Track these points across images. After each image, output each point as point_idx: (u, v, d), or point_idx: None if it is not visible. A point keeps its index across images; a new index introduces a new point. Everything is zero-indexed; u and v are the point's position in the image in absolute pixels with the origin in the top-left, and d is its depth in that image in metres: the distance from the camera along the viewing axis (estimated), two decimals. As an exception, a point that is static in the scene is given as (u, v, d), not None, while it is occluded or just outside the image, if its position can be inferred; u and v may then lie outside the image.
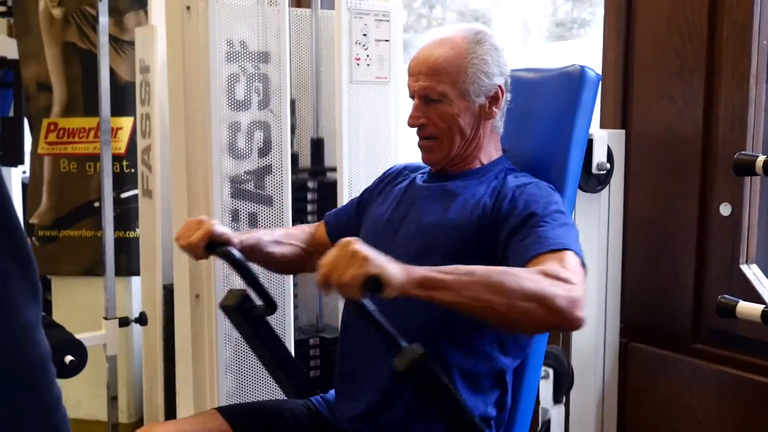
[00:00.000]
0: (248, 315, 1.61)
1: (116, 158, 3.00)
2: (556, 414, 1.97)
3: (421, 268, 1.21)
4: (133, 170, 3.06)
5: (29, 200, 3.24)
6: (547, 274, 1.26)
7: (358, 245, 1.18)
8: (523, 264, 1.34)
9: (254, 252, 1.67)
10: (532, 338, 1.60)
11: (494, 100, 1.59)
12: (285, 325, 2.21)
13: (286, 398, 1.76)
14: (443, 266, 1.24)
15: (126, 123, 3.08)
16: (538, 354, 1.68)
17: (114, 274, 2.67)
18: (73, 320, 2.77)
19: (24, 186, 3.50)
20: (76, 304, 3.14)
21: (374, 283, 1.16)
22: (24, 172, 3.55)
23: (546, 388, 1.95)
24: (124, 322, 2.72)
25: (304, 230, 1.83)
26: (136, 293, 3.10)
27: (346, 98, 2.27)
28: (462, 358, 1.50)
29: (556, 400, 1.97)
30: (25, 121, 3.33)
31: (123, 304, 3.05)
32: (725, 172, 1.94)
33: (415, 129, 1.61)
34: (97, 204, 3.00)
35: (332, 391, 1.68)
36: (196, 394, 2.17)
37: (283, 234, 1.79)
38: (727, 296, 1.75)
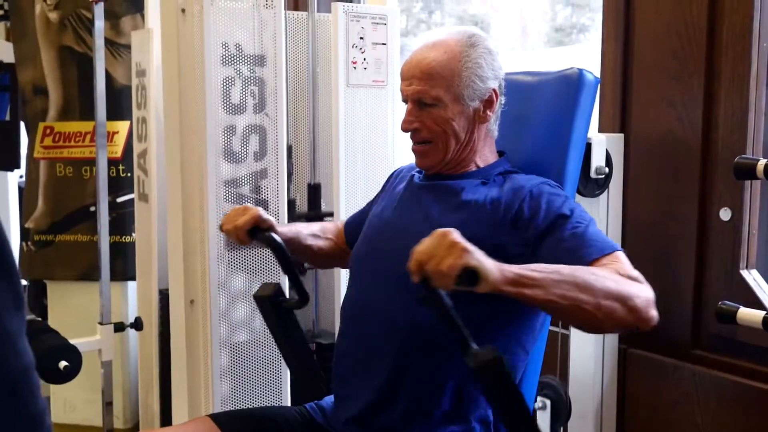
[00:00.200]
0: (279, 307, 1.69)
1: (112, 162, 2.98)
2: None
3: (512, 266, 1.21)
4: (129, 174, 3.04)
5: (25, 204, 3.22)
6: (621, 274, 1.29)
7: (457, 236, 1.17)
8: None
9: (293, 243, 1.75)
10: (535, 342, 1.58)
11: (489, 103, 1.58)
12: (281, 330, 2.20)
13: (279, 405, 1.76)
14: (529, 264, 1.25)
15: (122, 127, 3.07)
16: (535, 361, 1.67)
17: (109, 279, 2.65)
18: (69, 325, 2.75)
19: (20, 190, 3.48)
20: (72, 309, 3.11)
21: (470, 275, 1.15)
22: (21, 177, 3.53)
23: (543, 419, 1.94)
24: (120, 327, 2.70)
25: (337, 226, 1.92)
26: (133, 298, 3.09)
27: (342, 102, 2.25)
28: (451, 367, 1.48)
29: (554, 430, 1.96)
30: (22, 125, 3.31)
31: (119, 309, 3.03)
32: (725, 177, 1.93)
33: (409, 134, 1.60)
34: (93, 208, 2.97)
35: (327, 398, 1.67)
36: (191, 399, 2.15)
37: (320, 228, 1.88)
38: (727, 302, 1.73)
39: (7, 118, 3.35)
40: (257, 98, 2.09)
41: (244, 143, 2.06)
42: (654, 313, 1.28)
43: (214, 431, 1.56)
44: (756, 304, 1.84)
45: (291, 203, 2.44)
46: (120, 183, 3.07)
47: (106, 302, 2.64)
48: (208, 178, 2.03)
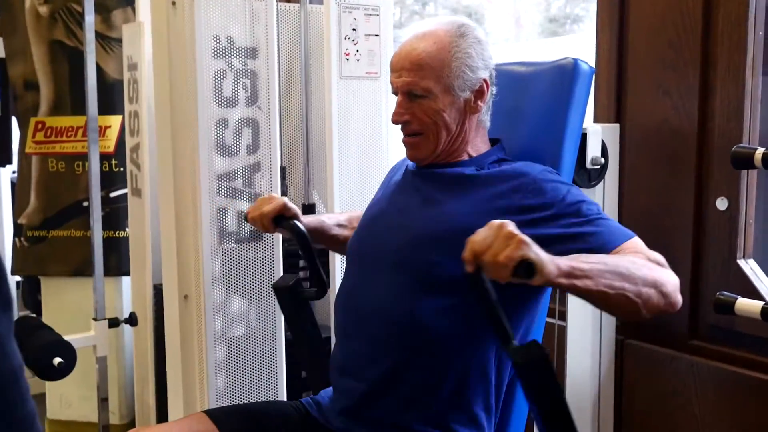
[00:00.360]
0: (298, 297, 1.73)
1: (105, 157, 2.96)
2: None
3: (563, 258, 1.21)
4: (122, 169, 3.02)
5: (17, 200, 3.20)
6: (650, 260, 1.32)
7: (513, 227, 1.16)
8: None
9: (317, 233, 1.79)
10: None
11: (479, 94, 1.56)
12: (277, 325, 2.18)
13: (275, 400, 1.75)
14: (575, 255, 1.26)
15: (114, 121, 3.04)
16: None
17: (103, 275, 2.63)
18: (63, 321, 2.74)
19: (13, 186, 3.46)
20: (66, 305, 3.10)
21: (526, 267, 1.14)
22: (13, 172, 3.51)
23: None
24: (114, 322, 2.68)
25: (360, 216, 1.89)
26: (127, 293, 3.07)
27: (335, 94, 2.24)
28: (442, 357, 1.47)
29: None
30: (14, 121, 3.29)
31: (113, 304, 3.01)
32: (721, 166, 1.92)
33: (400, 126, 1.59)
34: (86, 203, 2.95)
35: (322, 392, 1.66)
36: (186, 395, 2.14)
37: (346, 218, 1.88)
38: (725, 293, 1.72)
39: (-1, 113, 3.33)
40: (249, 91, 2.07)
41: (237, 136, 2.05)
42: (680, 297, 1.32)
43: (210, 427, 1.55)
44: (753, 293, 1.83)
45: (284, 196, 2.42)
46: (113, 178, 3.05)
47: (100, 298, 2.62)
48: (200, 172, 2.01)
